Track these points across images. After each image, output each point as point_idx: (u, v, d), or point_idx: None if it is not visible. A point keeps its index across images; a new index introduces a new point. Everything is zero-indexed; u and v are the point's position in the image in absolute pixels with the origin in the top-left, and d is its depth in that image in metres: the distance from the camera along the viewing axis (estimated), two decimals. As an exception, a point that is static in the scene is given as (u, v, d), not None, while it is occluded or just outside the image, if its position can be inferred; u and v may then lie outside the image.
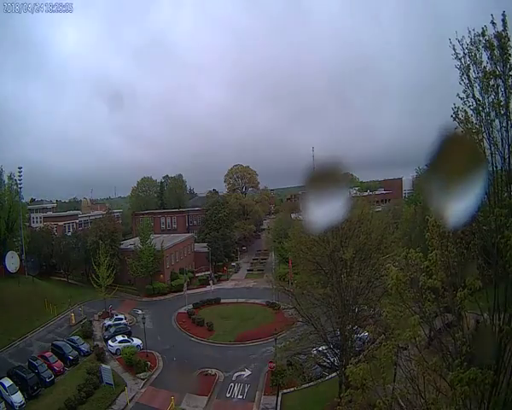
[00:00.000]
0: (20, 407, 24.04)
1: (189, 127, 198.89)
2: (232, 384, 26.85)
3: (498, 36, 7.61)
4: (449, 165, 5.91)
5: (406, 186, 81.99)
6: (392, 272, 8.34)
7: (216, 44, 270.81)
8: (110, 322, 37.32)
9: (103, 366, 27.64)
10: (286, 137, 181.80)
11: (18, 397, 24.28)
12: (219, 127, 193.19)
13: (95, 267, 42.75)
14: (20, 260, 46.35)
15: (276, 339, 25.45)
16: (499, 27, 7.62)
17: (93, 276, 42.30)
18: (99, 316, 41.00)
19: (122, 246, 55.30)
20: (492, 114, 7.83)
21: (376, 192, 79.24)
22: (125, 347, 31.49)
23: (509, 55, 7.65)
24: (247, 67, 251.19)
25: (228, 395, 25.63)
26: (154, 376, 28.63)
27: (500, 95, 7.77)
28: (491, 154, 7.90)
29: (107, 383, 26.23)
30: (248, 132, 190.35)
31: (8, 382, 25.02)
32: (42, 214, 76.24)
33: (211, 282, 51.75)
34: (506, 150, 7.80)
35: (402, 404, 9.19)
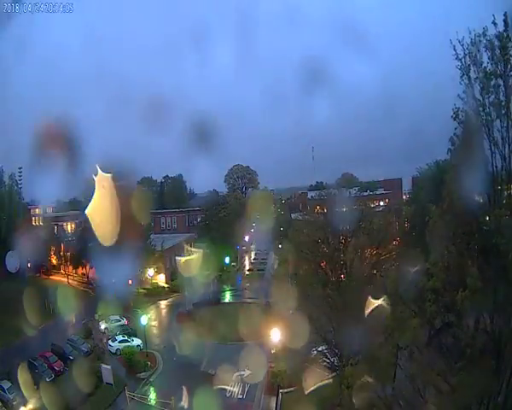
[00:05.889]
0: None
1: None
2: (232, 384, 26.81)
3: (499, 36, 7.62)
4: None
5: (406, 186, 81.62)
6: (391, 272, 8.35)
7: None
8: (107, 325, 36.77)
9: (103, 365, 27.58)
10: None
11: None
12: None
13: (95, 267, 42.73)
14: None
15: (276, 339, 25.39)
16: (500, 28, 7.63)
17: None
18: (99, 316, 40.80)
19: (122, 246, 55.12)
20: (493, 114, 7.84)
21: (376, 192, 79.04)
22: (125, 347, 31.45)
23: (510, 55, 7.65)
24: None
25: (228, 395, 25.59)
26: (154, 376, 28.59)
27: (501, 95, 7.77)
28: (492, 153, 7.91)
29: (107, 383, 26.21)
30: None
31: (7, 384, 25.12)
32: (42, 214, 75.84)
33: None
34: (506, 150, 7.80)
35: (402, 404, 9.20)
